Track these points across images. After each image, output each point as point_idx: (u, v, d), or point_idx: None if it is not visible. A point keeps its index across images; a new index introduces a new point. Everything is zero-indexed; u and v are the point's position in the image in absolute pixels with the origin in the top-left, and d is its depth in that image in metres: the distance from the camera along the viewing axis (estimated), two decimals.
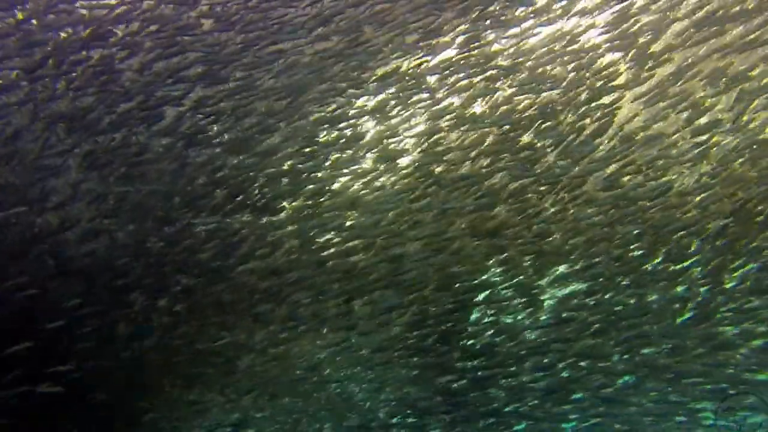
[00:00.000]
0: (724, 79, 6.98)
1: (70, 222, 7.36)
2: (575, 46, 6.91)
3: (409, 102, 7.04)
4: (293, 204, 7.79)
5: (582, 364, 8.58)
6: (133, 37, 6.47)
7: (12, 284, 7.33)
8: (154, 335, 8.31)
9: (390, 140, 7.26)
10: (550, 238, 7.92)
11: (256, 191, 7.54)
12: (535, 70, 7.07)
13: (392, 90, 6.98)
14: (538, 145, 7.33)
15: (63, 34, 6.40)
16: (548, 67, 7.04)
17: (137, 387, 8.94)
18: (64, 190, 7.18)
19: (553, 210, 7.82)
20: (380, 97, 7.06)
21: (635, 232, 7.91)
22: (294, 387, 9.64)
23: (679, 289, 8.25)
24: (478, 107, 7.22)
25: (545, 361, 8.60)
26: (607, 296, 8.23)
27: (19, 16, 6.40)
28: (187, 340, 8.48)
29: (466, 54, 6.84)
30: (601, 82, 7.03)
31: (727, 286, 8.13)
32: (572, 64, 7.11)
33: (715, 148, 7.42)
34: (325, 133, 7.26)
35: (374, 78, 6.90)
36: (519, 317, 8.42)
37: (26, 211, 7.21)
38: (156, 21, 6.35)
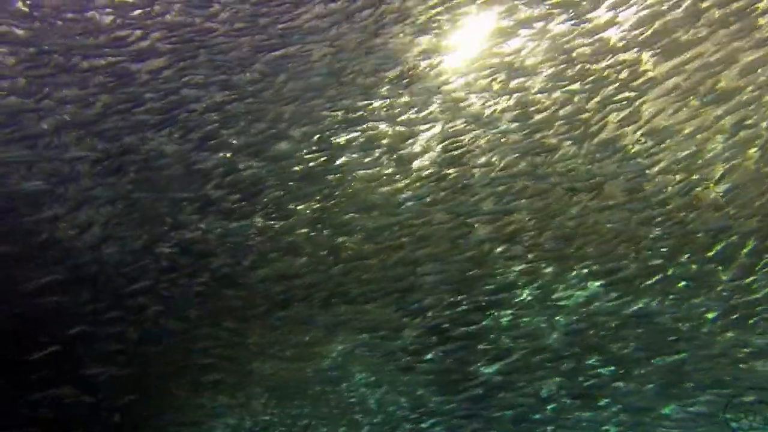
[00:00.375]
0: (759, 71, 6.64)
1: (82, 228, 7.32)
2: (600, 43, 6.62)
3: (426, 103, 6.83)
4: (307, 207, 7.66)
5: (604, 371, 8.32)
6: (139, 42, 6.37)
7: (26, 290, 7.32)
8: (166, 340, 8.25)
9: (406, 142, 7.07)
10: (573, 241, 7.66)
11: (269, 195, 7.43)
12: (557, 67, 6.80)
13: (409, 91, 6.78)
14: (561, 145, 7.06)
15: (75, 41, 6.31)
16: (571, 64, 6.75)
17: (148, 391, 8.89)
18: (76, 195, 7.14)
19: (575, 212, 7.56)
20: (396, 98, 6.87)
21: (661, 234, 7.61)
22: (306, 391, 9.54)
23: (706, 293, 7.92)
24: (498, 107, 6.98)
25: (566, 366, 8.36)
26: (630, 301, 7.96)
27: (37, 24, 6.31)
28: (198, 345, 8.43)
29: (486, 53, 6.58)
30: (628, 78, 6.73)
31: (756, 289, 7.79)
32: (596, 61, 6.81)
33: (748, 145, 7.08)
34: (339, 135, 7.10)
35: (390, 79, 6.71)
36: (540, 322, 8.20)
37: (41, 217, 7.14)
38: (169, 26, 6.25)
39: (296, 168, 7.33)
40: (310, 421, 9.93)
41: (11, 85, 6.58)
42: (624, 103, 6.95)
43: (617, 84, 6.90)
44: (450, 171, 7.27)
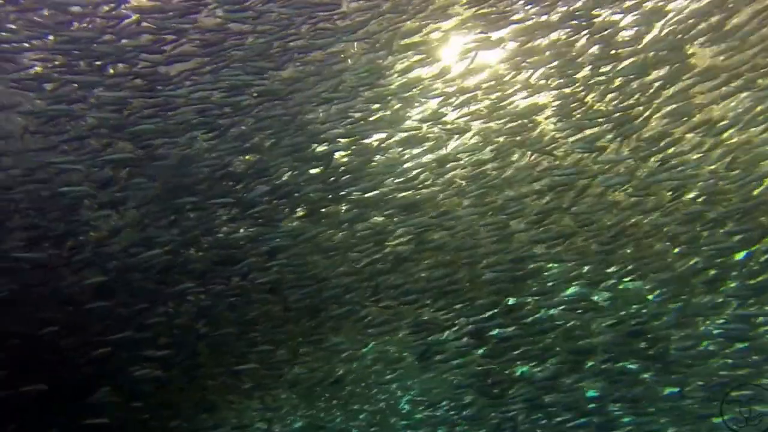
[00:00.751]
0: None
1: (115, 232, 7.29)
2: (647, 34, 6.25)
3: (465, 101, 6.58)
4: (343, 209, 7.48)
5: (647, 376, 8.02)
6: (171, 44, 6.23)
7: (62, 295, 7.34)
8: (200, 344, 8.20)
9: (444, 141, 6.83)
10: (617, 241, 7.36)
11: (304, 197, 7.29)
12: (600, 61, 6.45)
13: (445, 89, 6.53)
14: (605, 142, 6.74)
15: (106, 46, 6.20)
16: (615, 58, 6.38)
17: (180, 395, 8.87)
18: (104, 198, 7.05)
19: (619, 210, 7.24)
20: (434, 97, 6.63)
21: (708, 232, 7.25)
22: (340, 394, 9.44)
23: (757, 294, 7.53)
24: (540, 103, 6.68)
25: (609, 370, 8.07)
26: (676, 302, 7.63)
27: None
28: (230, 349, 8.35)
29: (527, 49, 6.28)
30: (677, 71, 6.34)
31: None
32: (643, 53, 6.43)
33: None
34: (375, 136, 6.91)
35: (426, 77, 6.47)
36: (582, 323, 7.93)
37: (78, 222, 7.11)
38: (200, 29, 6.12)
39: (331, 169, 7.15)
40: (344, 424, 9.85)
41: (41, 91, 6.51)
42: (678, 94, 6.56)
43: (665, 78, 6.52)
44: (490, 170, 7.01)
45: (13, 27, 6.25)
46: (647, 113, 6.75)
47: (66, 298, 7.56)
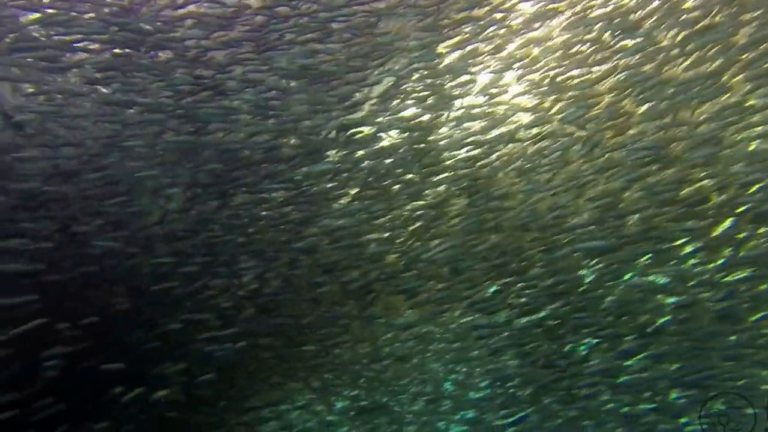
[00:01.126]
0: None
1: (161, 215, 7.47)
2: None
3: (519, 78, 6.29)
4: (398, 190, 7.40)
5: (715, 364, 7.64)
6: (220, 30, 6.20)
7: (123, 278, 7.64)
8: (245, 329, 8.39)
9: (504, 122, 6.58)
10: (685, 219, 6.97)
11: (357, 179, 7.24)
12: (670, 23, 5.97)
13: (500, 67, 6.25)
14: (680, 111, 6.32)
15: (156, 35, 6.26)
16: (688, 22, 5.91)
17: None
18: (152, 182, 7.22)
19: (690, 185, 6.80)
20: (488, 75, 6.38)
21: None
22: (389, 378, 9.50)
23: None
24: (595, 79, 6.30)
25: (674, 354, 7.75)
26: (751, 282, 7.18)
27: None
28: (279, 334, 8.51)
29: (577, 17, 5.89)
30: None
31: None
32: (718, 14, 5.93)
33: None
34: (430, 117, 6.75)
35: (480, 55, 6.20)
36: (646, 304, 7.60)
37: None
38: (249, 13, 6.05)
39: (380, 149, 7.04)
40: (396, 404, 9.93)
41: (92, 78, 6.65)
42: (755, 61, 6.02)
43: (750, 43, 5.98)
44: (552, 152, 6.72)
45: (69, 21, 6.39)
46: (725, 79, 6.25)
47: (134, 280, 7.86)
